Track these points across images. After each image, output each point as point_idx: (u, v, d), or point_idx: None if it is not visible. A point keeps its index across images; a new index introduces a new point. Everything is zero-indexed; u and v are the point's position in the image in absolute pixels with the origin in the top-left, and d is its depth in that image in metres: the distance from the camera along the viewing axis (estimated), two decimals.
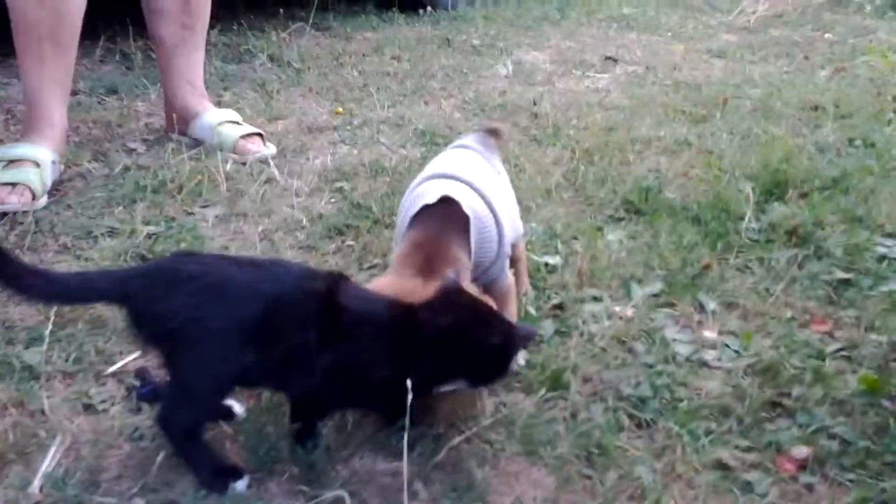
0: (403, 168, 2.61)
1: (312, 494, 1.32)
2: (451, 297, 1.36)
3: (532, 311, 1.82)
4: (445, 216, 1.53)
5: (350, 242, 2.15)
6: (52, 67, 2.38)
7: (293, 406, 1.42)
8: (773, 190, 2.43)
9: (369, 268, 2.02)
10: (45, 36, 2.34)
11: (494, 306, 1.46)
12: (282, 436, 1.41)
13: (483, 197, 1.61)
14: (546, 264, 2.03)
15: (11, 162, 2.29)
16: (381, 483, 1.36)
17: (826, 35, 5.04)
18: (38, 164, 2.29)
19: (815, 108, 3.30)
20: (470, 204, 1.56)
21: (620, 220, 2.32)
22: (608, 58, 4.31)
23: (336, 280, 1.34)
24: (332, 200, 2.40)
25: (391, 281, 1.47)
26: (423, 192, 1.57)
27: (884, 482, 1.37)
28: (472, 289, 1.45)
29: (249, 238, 2.14)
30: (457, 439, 1.42)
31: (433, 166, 1.71)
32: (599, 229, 2.23)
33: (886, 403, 1.57)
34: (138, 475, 1.35)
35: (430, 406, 1.49)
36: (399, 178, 2.50)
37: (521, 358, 1.64)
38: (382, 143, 2.86)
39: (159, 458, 1.36)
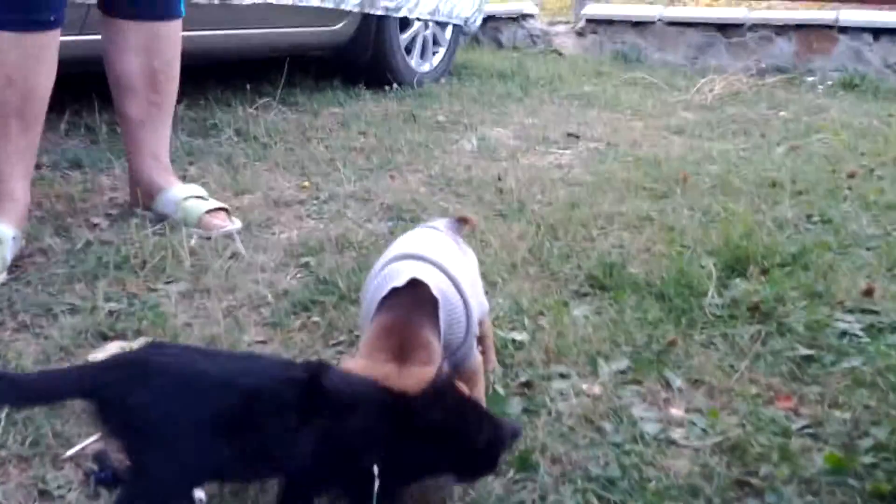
0: (370, 243, 2.61)
1: None
2: (445, 389, 1.36)
3: (500, 389, 1.81)
4: (414, 298, 1.54)
5: (316, 319, 2.13)
6: (17, 143, 2.37)
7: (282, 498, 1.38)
8: (735, 266, 2.46)
9: (335, 344, 2.00)
10: (12, 114, 2.33)
11: (465, 388, 1.46)
12: None
13: (450, 277, 1.61)
14: (513, 340, 2.03)
15: None
16: None
17: (781, 113, 5.19)
18: None
19: (773, 185, 3.38)
20: (438, 285, 1.56)
21: (585, 295, 2.33)
22: (570, 134, 4.39)
23: (318, 368, 1.33)
24: (298, 276, 2.39)
25: (363, 365, 1.46)
26: (391, 274, 1.57)
27: None
28: (460, 384, 1.45)
29: (213, 315, 2.11)
30: None
31: (400, 246, 1.71)
32: (565, 305, 2.24)
33: (852, 482, 1.57)
34: None
35: (399, 492, 1.46)
36: (366, 253, 2.50)
37: None
38: (349, 218, 2.86)
39: None
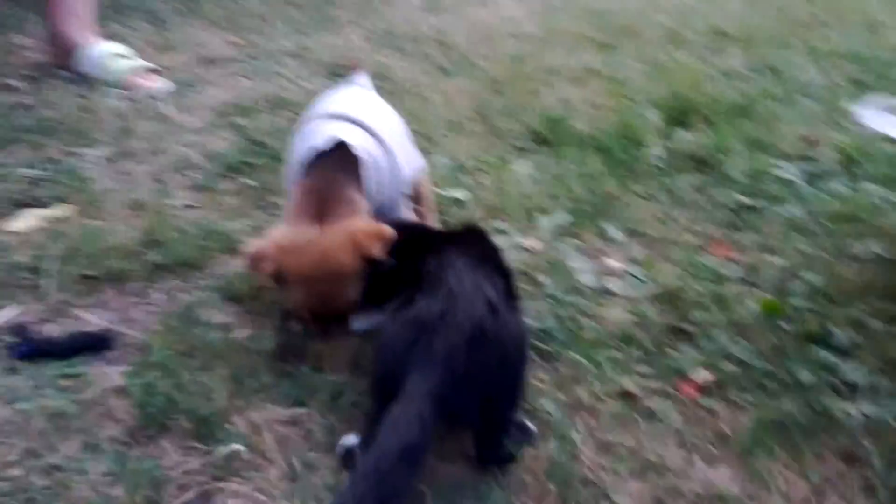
0: (307, 102, 2.49)
1: (206, 450, 1.27)
2: None
3: None
4: (338, 160, 1.47)
5: (247, 181, 2.06)
6: None
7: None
8: (679, 117, 2.42)
9: (268, 206, 1.94)
10: None
11: None
12: (173, 389, 1.35)
13: (376, 137, 1.55)
14: (455, 199, 1.98)
15: None
16: (280, 433, 1.31)
17: None
18: None
19: (723, 35, 3.29)
20: (362, 145, 1.50)
21: (528, 151, 2.28)
22: None
23: None
24: (229, 137, 2.29)
25: (287, 231, 1.41)
26: (313, 136, 1.50)
27: (780, 402, 1.39)
28: None
29: (138, 179, 2.03)
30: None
31: (324, 105, 1.64)
32: (506, 161, 2.19)
33: (784, 325, 1.59)
34: (18, 441, 1.27)
35: (331, 353, 1.45)
36: (297, 113, 2.40)
37: None
38: (283, 76, 2.74)
39: (40, 420, 1.29)
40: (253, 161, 2.14)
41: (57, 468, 1.23)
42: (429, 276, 1.24)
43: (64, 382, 1.40)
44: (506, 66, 2.87)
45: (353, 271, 1.40)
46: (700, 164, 2.20)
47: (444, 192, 2.00)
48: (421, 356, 1.12)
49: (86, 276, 1.65)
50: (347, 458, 1.25)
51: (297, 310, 1.45)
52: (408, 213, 1.67)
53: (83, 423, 1.32)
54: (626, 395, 1.42)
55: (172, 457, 1.26)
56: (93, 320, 1.55)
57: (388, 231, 1.41)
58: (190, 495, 1.21)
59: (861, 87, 2.72)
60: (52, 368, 1.42)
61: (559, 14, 3.68)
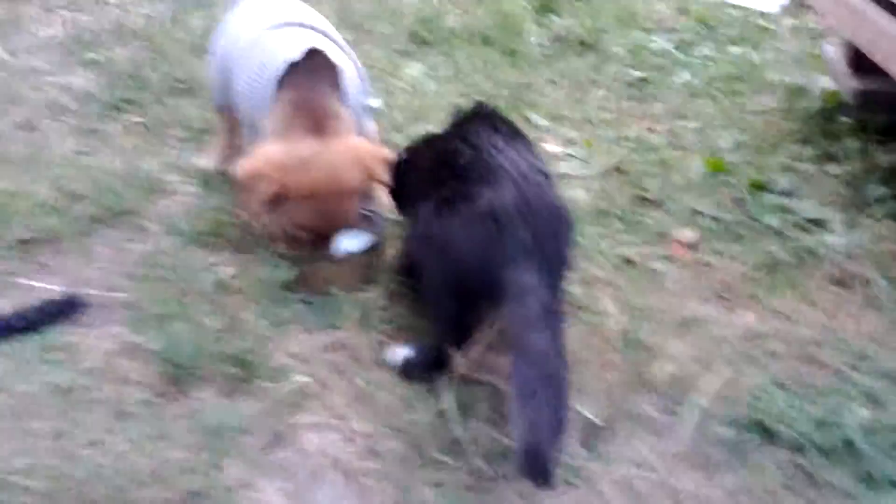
0: (154, 30, 2.27)
1: (264, 388, 1.18)
2: None
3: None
4: (314, 70, 1.37)
5: (137, 119, 1.86)
6: None
7: None
8: (546, 3, 2.45)
9: (180, 140, 1.77)
10: None
11: None
12: (197, 336, 1.23)
13: (336, 42, 1.46)
14: (370, 108, 1.90)
15: None
16: (328, 358, 1.24)
17: None
18: None
19: None
20: (334, 53, 1.40)
21: (412, 54, 2.23)
22: None
23: None
24: (89, 75, 2.05)
25: (283, 147, 1.30)
26: (278, 46, 1.38)
27: (762, 245, 1.50)
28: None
29: (11, 133, 1.78)
30: None
31: (263, 12, 1.50)
32: (397, 66, 2.13)
33: (730, 179, 1.70)
34: (40, 424, 1.12)
35: (338, 273, 1.38)
36: (154, 42, 2.18)
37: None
38: (113, 4, 2.46)
39: (52, 398, 1.14)
40: (130, 97, 1.93)
41: (96, 444, 1.09)
42: (474, 164, 1.18)
43: (54, 356, 1.22)
44: None
45: (357, 189, 1.33)
46: (582, 45, 2.26)
47: None
48: (511, 249, 1.09)
49: (20, 242, 1.44)
50: (407, 368, 1.21)
51: (296, 229, 1.35)
52: (373, 127, 1.59)
53: (101, 392, 1.17)
54: (630, 262, 1.47)
55: (222, 404, 1.16)
56: (44, 287, 1.36)
57: (389, 154, 1.36)
58: (265, 438, 1.12)
59: None
60: (30, 344, 1.24)
61: None
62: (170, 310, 1.29)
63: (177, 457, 1.09)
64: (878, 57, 1.59)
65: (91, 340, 1.26)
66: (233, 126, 1.59)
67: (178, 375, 1.19)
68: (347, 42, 2.15)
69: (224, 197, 1.56)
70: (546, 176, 1.20)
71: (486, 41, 2.25)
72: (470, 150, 1.20)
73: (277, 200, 1.31)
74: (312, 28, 1.45)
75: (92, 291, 1.36)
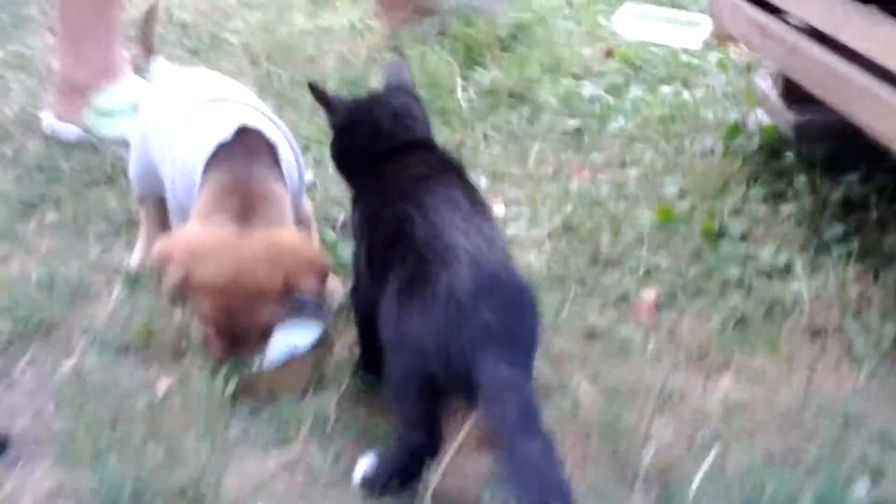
0: None
1: None
2: None
3: (330, 231, 1.62)
4: (247, 148, 1.27)
5: (54, 216, 1.73)
6: None
7: None
8: (470, 55, 2.40)
9: (103, 237, 1.65)
10: None
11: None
12: (136, 469, 1.11)
13: (270, 118, 1.37)
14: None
15: None
16: (282, 483, 1.13)
17: None
18: None
19: None
20: (267, 129, 1.31)
21: None
22: None
23: None
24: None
25: (198, 231, 1.20)
26: (207, 124, 1.28)
27: (728, 300, 1.45)
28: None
29: None
30: None
31: (189, 90, 1.41)
32: (328, 133, 2.04)
33: (683, 228, 1.65)
34: None
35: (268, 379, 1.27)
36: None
37: None
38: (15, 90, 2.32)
39: None
40: (45, 192, 1.80)
41: None
42: (426, 240, 1.08)
43: None
44: (261, 37, 2.66)
45: (272, 292, 1.20)
46: (513, 97, 2.21)
47: None
48: (476, 336, 1.00)
49: None
50: (371, 481, 1.10)
51: (203, 324, 1.24)
52: (309, 206, 1.50)
53: None
54: (595, 333, 1.40)
55: None
56: None
57: (325, 263, 1.25)
58: None
59: (597, 1, 2.88)
60: None
61: None
62: (103, 439, 1.16)
63: None
64: (812, 89, 1.57)
65: (19, 482, 1.13)
66: (159, 218, 1.48)
67: None
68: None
69: (154, 298, 1.44)
70: (505, 251, 1.12)
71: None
72: (424, 224, 1.11)
73: (183, 289, 1.20)
74: (242, 103, 1.35)
75: (18, 422, 1.22)
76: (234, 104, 1.34)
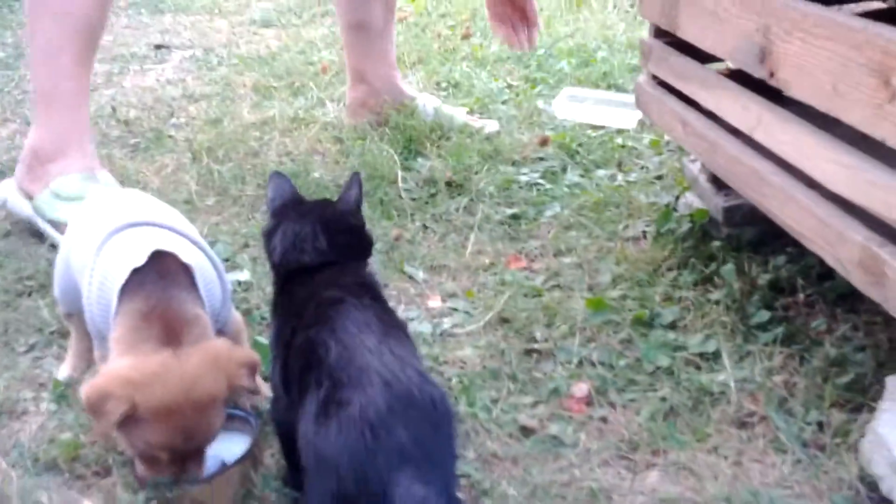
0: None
1: None
2: None
3: (259, 338, 1.61)
4: (163, 272, 1.27)
5: None
6: None
7: None
8: (410, 146, 2.44)
9: (32, 349, 1.63)
10: None
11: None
12: None
13: (187, 237, 1.37)
14: (238, 283, 1.82)
15: None
16: None
17: None
18: None
19: (399, 62, 3.38)
20: (184, 251, 1.31)
21: None
22: (159, 46, 3.99)
23: None
24: None
25: (129, 362, 1.19)
26: (122, 250, 1.28)
27: (658, 392, 1.47)
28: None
29: None
30: None
31: (105, 214, 1.41)
32: None
33: (615, 317, 1.67)
34: None
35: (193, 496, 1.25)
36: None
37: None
38: None
39: None
40: None
41: None
42: (340, 364, 1.10)
43: None
44: (206, 131, 2.69)
45: (220, 399, 1.22)
46: (452, 186, 2.24)
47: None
48: (391, 457, 1.00)
49: None
50: None
51: (154, 450, 1.23)
52: (237, 314, 1.50)
53: None
54: (527, 431, 1.40)
55: None
56: None
57: (255, 357, 1.27)
58: None
59: (536, 84, 2.96)
60: None
61: (217, 68, 3.55)
62: None
63: None
64: (732, 184, 1.62)
65: None
66: (84, 334, 1.47)
67: None
68: (210, 207, 2.09)
69: (82, 412, 1.42)
70: (419, 369, 1.13)
71: None
72: (337, 348, 1.12)
73: (130, 421, 1.19)
74: (158, 225, 1.36)
75: None
76: (152, 228, 1.34)
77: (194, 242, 1.38)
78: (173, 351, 1.21)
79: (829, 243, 1.29)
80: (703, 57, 1.68)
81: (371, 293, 1.26)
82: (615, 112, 2.66)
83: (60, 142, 2.02)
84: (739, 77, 1.54)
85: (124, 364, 1.20)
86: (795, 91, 1.34)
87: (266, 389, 1.43)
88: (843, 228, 1.25)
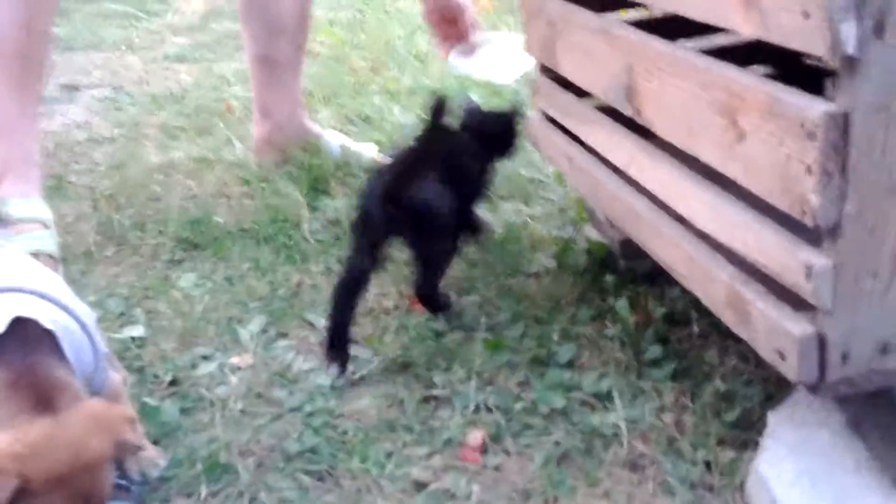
0: None
1: None
2: None
3: (147, 399, 1.58)
4: (23, 339, 1.23)
5: None
6: None
7: None
8: (316, 185, 2.42)
9: None
10: None
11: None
12: None
13: (51, 299, 1.32)
14: (132, 338, 1.78)
15: None
16: None
17: None
18: None
19: (309, 95, 3.36)
20: (46, 315, 1.27)
21: (183, 262, 2.12)
22: (66, 86, 3.91)
23: None
24: None
25: (9, 436, 1.15)
26: None
27: (552, 436, 1.47)
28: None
29: None
30: None
31: None
32: (169, 280, 2.02)
33: (514, 358, 1.68)
34: None
35: None
36: None
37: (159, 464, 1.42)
38: None
39: None
40: None
41: None
42: None
43: None
44: (110, 177, 2.64)
45: (109, 458, 1.18)
46: None
47: (117, 335, 1.79)
48: None
49: None
50: None
51: None
52: (116, 375, 1.46)
53: None
54: (420, 485, 1.39)
55: None
56: None
57: (132, 412, 1.23)
58: None
59: None
60: None
61: (127, 108, 3.49)
62: None
63: None
64: (614, 219, 1.64)
65: None
66: None
67: None
68: (109, 258, 2.04)
69: None
70: None
71: (259, 237, 2.18)
72: None
73: (22, 497, 1.14)
74: (19, 290, 1.31)
75: None
76: (18, 294, 1.30)
77: (63, 307, 1.33)
78: (51, 417, 1.16)
79: (699, 282, 1.31)
80: (586, 93, 1.70)
81: None
82: (501, 65, 2.57)
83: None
84: (617, 114, 1.56)
85: (5, 438, 1.15)
86: (659, 129, 1.36)
87: (153, 450, 1.40)
88: (710, 266, 1.27)
